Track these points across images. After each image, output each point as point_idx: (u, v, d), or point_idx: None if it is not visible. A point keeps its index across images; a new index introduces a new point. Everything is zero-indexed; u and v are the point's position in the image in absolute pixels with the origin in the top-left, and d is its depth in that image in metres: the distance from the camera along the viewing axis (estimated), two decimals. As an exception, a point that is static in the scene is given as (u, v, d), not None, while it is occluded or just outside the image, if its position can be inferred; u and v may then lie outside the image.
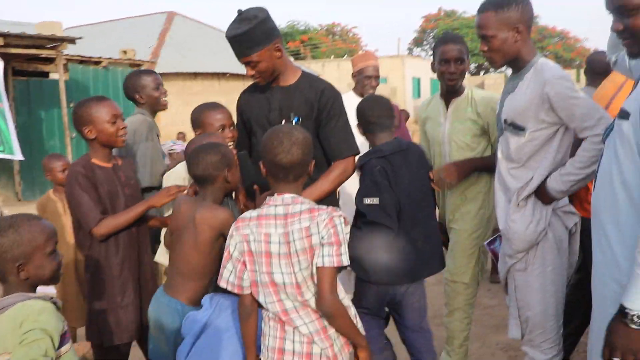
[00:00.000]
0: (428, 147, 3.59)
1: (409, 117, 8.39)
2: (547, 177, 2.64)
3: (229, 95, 18.91)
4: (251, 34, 2.76)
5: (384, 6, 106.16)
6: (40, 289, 2.01)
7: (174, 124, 15.35)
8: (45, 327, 1.80)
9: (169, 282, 2.57)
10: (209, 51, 20.13)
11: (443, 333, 3.65)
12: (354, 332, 2.14)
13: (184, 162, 2.83)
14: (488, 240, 3.21)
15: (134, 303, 2.87)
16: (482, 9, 2.69)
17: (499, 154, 2.85)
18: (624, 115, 1.91)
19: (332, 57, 35.18)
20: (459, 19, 38.75)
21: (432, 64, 3.43)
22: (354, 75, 4.78)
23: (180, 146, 5.23)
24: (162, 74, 15.79)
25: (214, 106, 3.16)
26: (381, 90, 4.88)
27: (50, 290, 2.48)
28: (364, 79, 4.65)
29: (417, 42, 42.38)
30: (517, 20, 2.62)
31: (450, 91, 3.41)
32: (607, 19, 2.09)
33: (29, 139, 10.76)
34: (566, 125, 2.62)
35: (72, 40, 10.16)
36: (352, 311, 2.19)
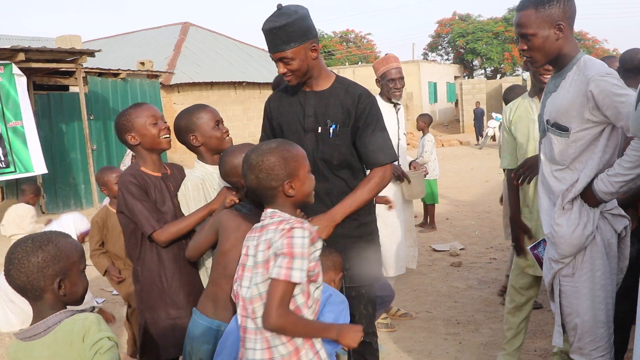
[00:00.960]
0: (514, 149, 3.58)
1: (432, 121, 8.39)
2: (593, 178, 2.53)
3: (245, 104, 19.12)
4: (288, 29, 2.68)
5: (398, 12, 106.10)
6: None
7: (191, 133, 15.48)
8: (110, 335, 1.81)
9: (214, 303, 2.48)
10: (224, 61, 20.29)
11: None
12: (315, 333, 2.04)
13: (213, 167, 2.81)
14: (532, 245, 3.11)
15: (184, 315, 2.69)
16: (521, 7, 2.59)
17: (542, 156, 2.75)
18: None
19: (347, 64, 35.26)
20: (473, 22, 38.63)
21: (525, 62, 3.35)
22: (377, 81, 4.72)
23: None
24: (179, 85, 15.91)
25: (200, 107, 2.99)
26: (397, 95, 4.84)
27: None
28: (389, 83, 4.60)
29: (432, 46, 42.30)
30: (559, 17, 2.51)
31: (542, 88, 3.27)
32: (628, 19, 2.05)
33: (51, 153, 10.90)
34: (613, 125, 2.50)
35: (91, 53, 10.30)
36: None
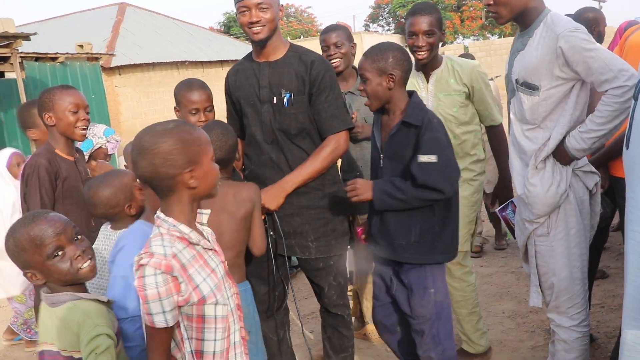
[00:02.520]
0: None
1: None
2: (565, 136, 2.52)
3: (189, 84, 18.82)
4: None
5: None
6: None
7: (135, 116, 15.24)
8: (108, 332, 1.82)
9: None
10: (165, 41, 19.89)
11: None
12: None
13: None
14: (500, 207, 3.09)
15: None
16: None
17: (512, 117, 2.72)
18: None
19: (288, 38, 35.01)
20: (412, -8, 38.81)
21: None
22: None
23: (113, 145, 4.44)
24: (120, 67, 15.52)
25: (190, 86, 3.03)
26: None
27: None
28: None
29: (373, 17, 42.39)
30: None
31: (424, 65, 3.30)
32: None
33: (-10, 142, 10.61)
34: (582, 81, 2.48)
35: (26, 37, 9.97)
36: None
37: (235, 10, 2.84)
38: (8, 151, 4.79)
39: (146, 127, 1.78)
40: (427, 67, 3.32)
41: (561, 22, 2.47)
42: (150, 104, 16.63)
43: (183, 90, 3.02)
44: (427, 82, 3.32)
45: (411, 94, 2.65)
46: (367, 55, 2.62)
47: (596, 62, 2.36)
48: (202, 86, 3.05)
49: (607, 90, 2.38)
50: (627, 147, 1.93)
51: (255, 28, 2.75)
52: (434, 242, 2.57)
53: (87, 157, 4.17)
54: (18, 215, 3.85)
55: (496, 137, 3.47)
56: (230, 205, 2.61)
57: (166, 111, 16.94)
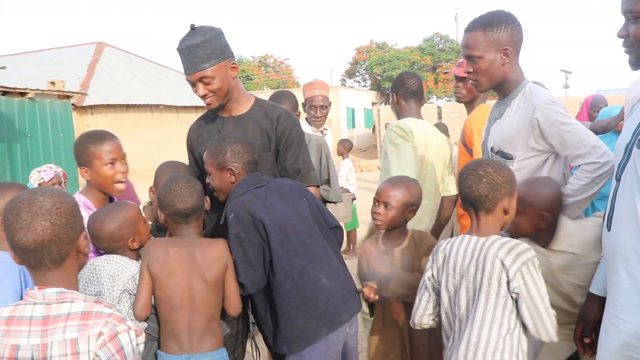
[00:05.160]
0: None
1: (352, 147, 8.42)
2: None
3: (162, 127, 18.69)
4: (207, 45, 2.55)
5: (316, 38, 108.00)
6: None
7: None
8: None
9: (176, 339, 2.34)
10: (141, 82, 19.80)
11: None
12: None
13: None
14: None
15: None
16: (469, 28, 2.55)
17: None
18: None
19: (266, 88, 35.30)
20: (390, 50, 39.73)
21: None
22: (303, 105, 4.52)
23: (46, 171, 4.35)
24: (93, 106, 15.35)
25: (101, 137, 2.58)
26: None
27: None
28: (310, 110, 4.41)
29: (350, 73, 43.12)
30: (505, 42, 2.48)
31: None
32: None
33: (-52, 175, 10.18)
34: (556, 154, 2.49)
35: (-5, 71, 9.75)
36: None
37: None
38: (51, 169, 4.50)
39: (15, 198, 1.57)
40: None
41: (539, 94, 2.48)
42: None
43: (92, 142, 2.56)
44: None
45: None
46: (208, 149, 2.58)
47: (571, 136, 2.38)
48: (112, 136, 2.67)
49: (580, 165, 2.40)
50: (609, 229, 1.93)
51: (206, 100, 2.68)
52: None
53: None
54: None
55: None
56: (199, 266, 2.37)
57: (137, 154, 16.65)
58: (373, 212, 2.68)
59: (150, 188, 2.81)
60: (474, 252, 2.06)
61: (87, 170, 2.55)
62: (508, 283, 1.99)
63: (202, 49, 2.55)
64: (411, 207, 2.65)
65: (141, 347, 1.63)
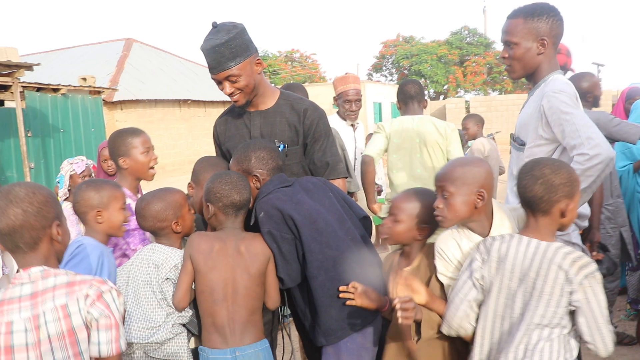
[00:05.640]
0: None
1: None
2: None
3: (190, 122, 18.87)
4: (231, 44, 2.56)
5: (343, 32, 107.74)
6: None
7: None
8: None
9: (219, 333, 2.39)
10: (169, 78, 20.00)
11: None
12: None
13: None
14: None
15: None
16: (512, 15, 2.61)
17: (509, 173, 2.78)
18: None
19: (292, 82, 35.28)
20: (417, 44, 39.45)
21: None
22: (335, 99, 4.69)
23: (78, 164, 4.38)
24: (122, 102, 15.54)
25: (136, 130, 2.99)
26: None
27: None
28: (344, 104, 4.58)
29: (377, 67, 42.92)
30: (544, 33, 2.53)
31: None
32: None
33: (-16, 170, 10.47)
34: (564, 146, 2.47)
35: (29, 67, 9.94)
36: None
37: None
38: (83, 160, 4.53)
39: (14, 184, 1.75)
40: None
41: (553, 82, 2.50)
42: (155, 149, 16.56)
43: (130, 135, 2.93)
44: None
45: None
46: (234, 155, 2.67)
47: (569, 125, 2.37)
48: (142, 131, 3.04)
49: (573, 156, 2.37)
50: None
51: (233, 97, 2.70)
52: None
53: (67, 193, 4.22)
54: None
55: None
56: (244, 259, 2.42)
57: (165, 149, 16.86)
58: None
59: (189, 184, 2.88)
60: (535, 256, 2.02)
61: (125, 160, 2.89)
62: (571, 294, 1.97)
63: (226, 48, 2.56)
64: (422, 225, 2.37)
65: (121, 308, 1.77)
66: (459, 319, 2.17)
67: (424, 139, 3.97)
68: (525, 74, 2.64)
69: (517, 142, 2.64)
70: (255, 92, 2.72)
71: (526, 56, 2.56)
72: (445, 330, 2.22)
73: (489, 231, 2.25)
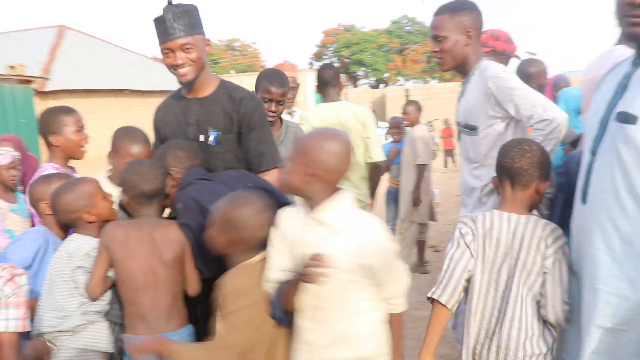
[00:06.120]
0: None
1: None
2: None
3: (127, 113, 18.39)
4: (192, 14, 2.60)
5: (284, 21, 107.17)
6: None
7: (69, 143, 14.67)
8: None
9: (142, 320, 2.37)
10: (105, 67, 19.42)
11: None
12: None
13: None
14: None
15: None
16: (438, 12, 2.82)
17: (461, 158, 2.97)
18: (628, 119, 1.77)
19: (233, 72, 35.01)
20: (357, 33, 39.70)
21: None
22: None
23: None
24: (55, 92, 15.02)
25: (68, 108, 3.13)
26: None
27: None
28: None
29: (318, 56, 42.97)
30: (469, 25, 2.77)
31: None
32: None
33: None
34: (516, 119, 2.69)
35: (-48, 56, 9.47)
36: None
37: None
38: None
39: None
40: None
41: (491, 67, 2.75)
42: (86, 131, 16.08)
43: (62, 113, 3.09)
44: None
45: None
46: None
47: (520, 99, 2.59)
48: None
49: (532, 126, 2.59)
50: (585, 202, 1.95)
51: (181, 70, 2.62)
52: None
53: None
54: None
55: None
56: (158, 247, 2.43)
57: (102, 139, 16.37)
58: None
59: (109, 153, 2.92)
60: (516, 229, 2.13)
61: (57, 137, 2.99)
62: (544, 259, 2.09)
63: (184, 18, 2.57)
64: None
65: (25, 289, 1.99)
66: (451, 291, 2.14)
67: (345, 127, 4.03)
68: (455, 65, 2.86)
69: (468, 128, 2.81)
70: (200, 72, 2.70)
71: (455, 48, 2.79)
72: (437, 302, 2.17)
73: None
